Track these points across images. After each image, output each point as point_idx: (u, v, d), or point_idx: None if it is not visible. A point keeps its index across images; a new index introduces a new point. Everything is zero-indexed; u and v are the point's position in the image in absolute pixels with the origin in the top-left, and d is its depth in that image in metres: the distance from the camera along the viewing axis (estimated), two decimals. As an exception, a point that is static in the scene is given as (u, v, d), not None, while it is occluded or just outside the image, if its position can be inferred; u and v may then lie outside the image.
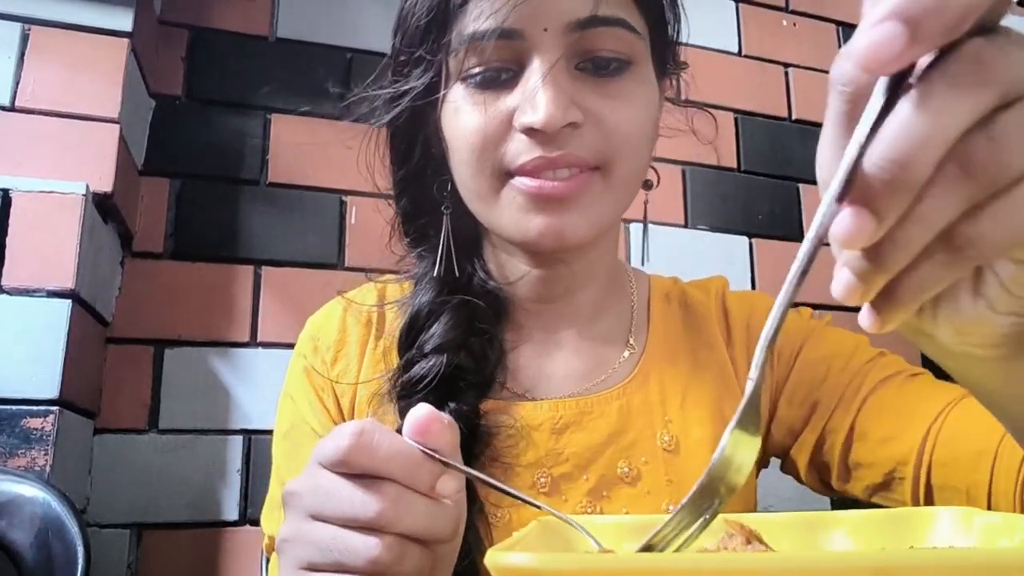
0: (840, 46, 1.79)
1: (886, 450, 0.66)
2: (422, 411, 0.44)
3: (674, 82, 0.77)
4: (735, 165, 1.64)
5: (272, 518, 0.69)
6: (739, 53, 1.71)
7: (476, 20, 0.60)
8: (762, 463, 0.77)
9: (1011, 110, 0.27)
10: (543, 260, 0.70)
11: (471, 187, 0.65)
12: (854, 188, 0.28)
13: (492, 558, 0.33)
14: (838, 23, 1.81)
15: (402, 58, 0.69)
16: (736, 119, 1.66)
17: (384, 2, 1.46)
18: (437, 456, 0.43)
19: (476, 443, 0.65)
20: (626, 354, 0.73)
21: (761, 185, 1.65)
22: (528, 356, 0.71)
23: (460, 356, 0.66)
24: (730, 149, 1.64)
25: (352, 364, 0.71)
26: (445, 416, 0.45)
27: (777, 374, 0.74)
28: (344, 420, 0.70)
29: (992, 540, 0.38)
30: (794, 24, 1.77)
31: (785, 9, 1.78)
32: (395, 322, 0.72)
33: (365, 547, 0.41)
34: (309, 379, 0.72)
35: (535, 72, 0.60)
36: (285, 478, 0.69)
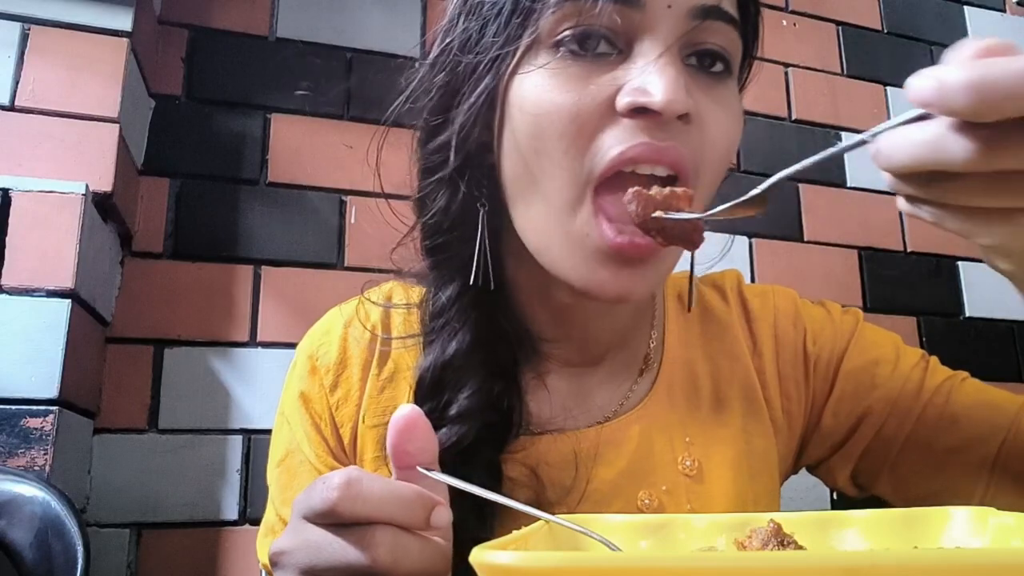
0: (840, 46, 1.79)
1: (954, 457, 0.65)
2: (405, 410, 0.43)
3: None
4: (735, 165, 1.64)
5: (266, 544, 0.65)
6: (739, 53, 1.71)
7: None
8: (793, 471, 0.75)
9: None
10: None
11: (543, 196, 0.55)
12: None
13: (476, 556, 0.33)
14: (838, 23, 1.81)
15: (478, 6, 0.58)
16: (736, 119, 1.66)
17: (384, 2, 1.46)
18: (427, 472, 0.43)
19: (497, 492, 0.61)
20: (644, 371, 0.68)
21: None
22: (548, 392, 0.66)
23: (489, 416, 0.60)
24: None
25: (353, 390, 0.66)
26: (420, 417, 0.44)
27: (816, 387, 0.71)
28: (345, 452, 0.66)
29: (1005, 541, 0.38)
30: (794, 24, 1.77)
31: (785, 9, 1.78)
32: (405, 355, 0.66)
33: None
34: (306, 406, 0.66)
35: (651, 50, 0.52)
36: (280, 510, 0.66)
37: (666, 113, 0.51)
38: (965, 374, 0.70)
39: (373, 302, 0.69)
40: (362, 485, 0.41)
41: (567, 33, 0.53)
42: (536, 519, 0.45)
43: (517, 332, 0.65)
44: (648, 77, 0.51)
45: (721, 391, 0.68)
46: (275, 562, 0.44)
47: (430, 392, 0.61)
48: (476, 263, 0.60)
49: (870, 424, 0.68)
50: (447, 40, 0.61)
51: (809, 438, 0.71)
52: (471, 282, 0.60)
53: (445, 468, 0.50)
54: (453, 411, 0.60)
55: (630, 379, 0.68)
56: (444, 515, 0.43)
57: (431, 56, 0.62)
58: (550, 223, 0.55)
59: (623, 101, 0.52)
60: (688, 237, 0.50)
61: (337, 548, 0.41)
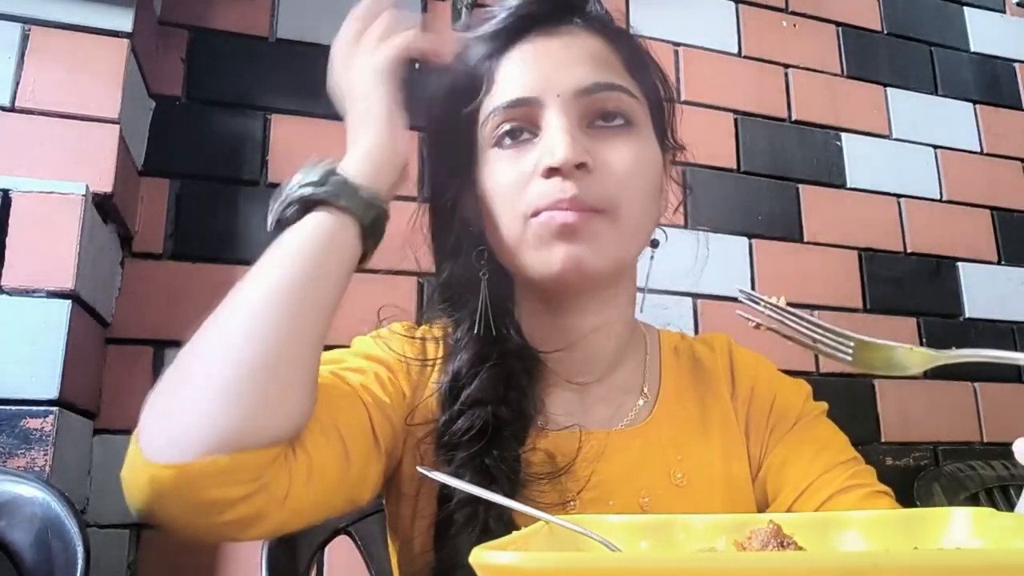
0: (840, 47, 1.80)
1: None
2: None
3: (674, 164, 0.83)
4: (734, 166, 1.64)
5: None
6: (739, 54, 1.71)
7: (501, 95, 0.72)
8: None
9: None
10: (568, 307, 0.76)
11: (503, 233, 0.73)
12: None
13: (476, 557, 0.33)
14: (837, 24, 1.82)
15: (441, 140, 0.80)
16: (735, 120, 1.66)
17: (384, 2, 1.46)
18: (428, 472, 0.43)
19: (518, 488, 0.69)
20: (641, 402, 0.79)
21: (760, 186, 1.65)
22: (559, 403, 0.77)
23: (500, 409, 0.72)
24: (729, 150, 1.65)
25: (402, 380, 0.76)
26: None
27: (772, 440, 0.79)
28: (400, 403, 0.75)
29: (1005, 541, 0.38)
30: (794, 25, 1.77)
31: (785, 10, 1.78)
32: (436, 374, 0.77)
33: None
34: (382, 356, 0.76)
35: (551, 125, 0.70)
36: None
37: (564, 167, 0.67)
38: (884, 488, 0.75)
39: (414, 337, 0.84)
40: None
41: (498, 136, 0.73)
42: (536, 520, 0.45)
43: (523, 348, 0.77)
44: (550, 145, 0.69)
45: (706, 422, 0.79)
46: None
47: (452, 394, 0.74)
48: (479, 315, 0.76)
49: (785, 496, 0.75)
50: (430, 167, 0.83)
51: (755, 478, 0.79)
52: (476, 331, 0.76)
53: (472, 459, 0.68)
54: (468, 401, 0.72)
55: (629, 403, 0.79)
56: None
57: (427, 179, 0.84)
58: (514, 248, 0.72)
59: (538, 168, 0.69)
60: None
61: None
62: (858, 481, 0.74)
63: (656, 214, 0.78)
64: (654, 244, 0.81)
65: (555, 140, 0.69)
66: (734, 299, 1.50)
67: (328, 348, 1.29)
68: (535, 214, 0.69)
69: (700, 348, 0.86)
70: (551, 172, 0.68)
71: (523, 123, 0.72)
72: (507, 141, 0.73)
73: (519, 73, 0.73)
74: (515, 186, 0.71)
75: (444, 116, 0.78)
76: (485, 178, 0.74)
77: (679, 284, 1.45)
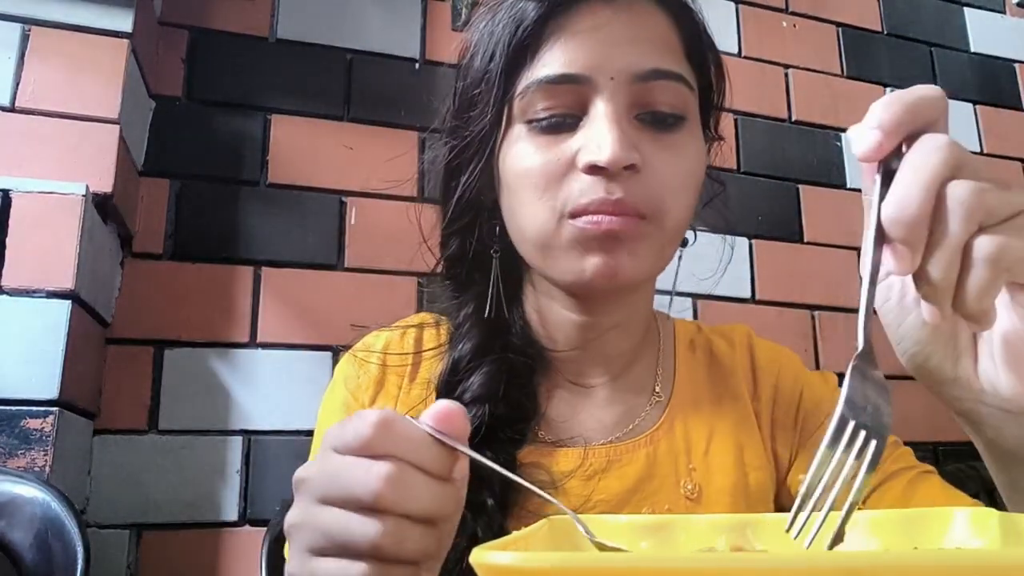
0: (840, 47, 1.80)
1: None
2: (444, 403, 0.45)
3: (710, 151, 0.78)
4: (735, 166, 1.64)
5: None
6: (739, 54, 1.71)
7: (546, 66, 0.64)
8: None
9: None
10: (588, 307, 0.71)
11: (530, 229, 0.66)
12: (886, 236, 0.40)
13: (476, 556, 0.32)
14: (837, 24, 1.82)
15: (468, 99, 0.71)
16: (736, 120, 1.66)
17: (384, 3, 1.46)
18: (447, 440, 0.43)
19: (512, 493, 0.64)
20: (652, 404, 0.74)
21: (761, 186, 1.65)
22: (562, 406, 0.73)
23: (499, 408, 0.67)
24: (730, 150, 1.64)
25: (389, 405, 0.73)
26: (462, 409, 0.45)
27: (800, 440, 0.75)
28: None
29: (1006, 542, 0.38)
30: (794, 25, 1.77)
31: (784, 10, 1.78)
32: (432, 368, 0.74)
33: (363, 531, 0.41)
34: (347, 412, 0.73)
35: (600, 115, 0.62)
36: None
37: (612, 168, 0.61)
38: (928, 468, 0.72)
39: (412, 327, 0.79)
40: (397, 424, 0.43)
41: (536, 113, 0.65)
42: (536, 521, 0.45)
43: (528, 343, 0.73)
44: (597, 139, 0.61)
45: (723, 427, 0.74)
46: (297, 488, 0.45)
47: (449, 386, 0.70)
48: (490, 297, 0.72)
49: None
50: (450, 122, 0.74)
51: (783, 483, 0.76)
52: (486, 313, 0.72)
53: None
54: (467, 397, 0.68)
55: (639, 406, 0.74)
56: (464, 468, 0.45)
57: (443, 135, 0.76)
58: (543, 245, 0.66)
59: (581, 162, 0.62)
60: None
61: (346, 477, 0.42)
62: (900, 465, 0.70)
63: (693, 214, 0.72)
64: (683, 243, 0.77)
65: (603, 134, 0.61)
66: (734, 299, 1.52)
67: (332, 348, 1.29)
68: (574, 215, 0.63)
69: (718, 342, 0.81)
70: (594, 170, 0.62)
71: (566, 108, 0.64)
72: (545, 124, 0.65)
73: (570, 45, 0.64)
74: (549, 176, 0.64)
75: (478, 76, 0.69)
76: (511, 155, 0.67)
77: (681, 284, 1.45)
